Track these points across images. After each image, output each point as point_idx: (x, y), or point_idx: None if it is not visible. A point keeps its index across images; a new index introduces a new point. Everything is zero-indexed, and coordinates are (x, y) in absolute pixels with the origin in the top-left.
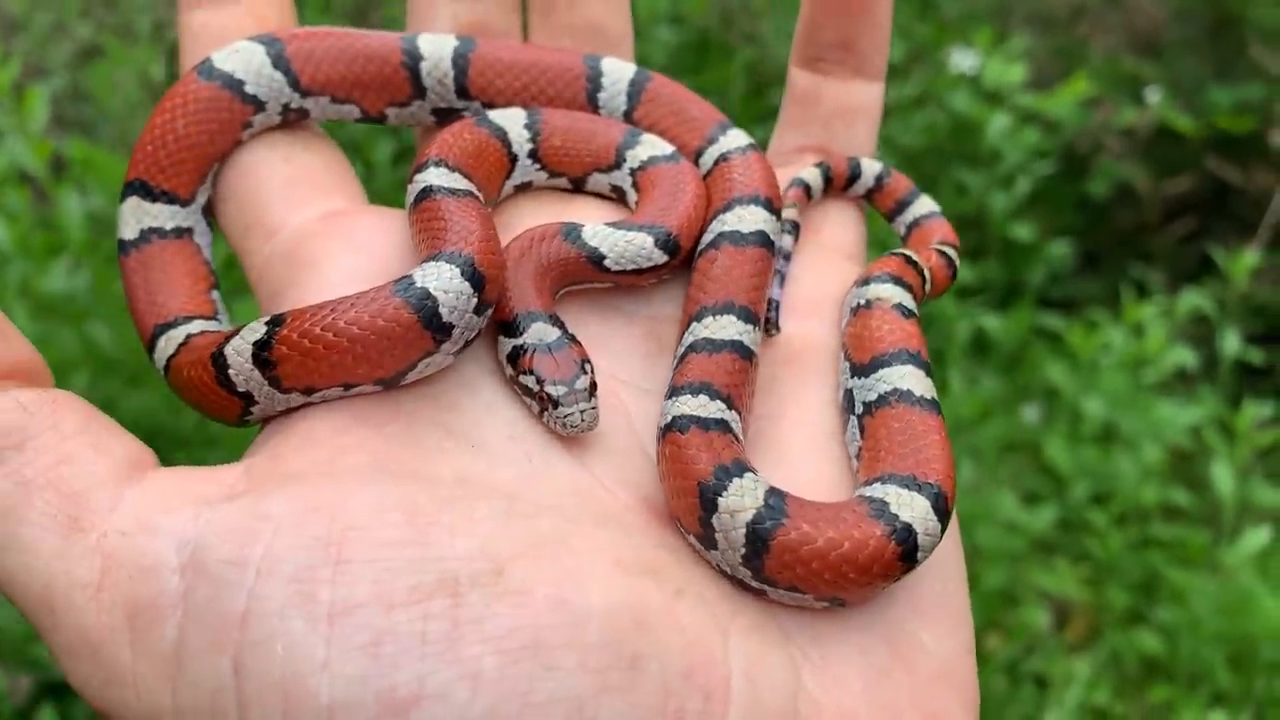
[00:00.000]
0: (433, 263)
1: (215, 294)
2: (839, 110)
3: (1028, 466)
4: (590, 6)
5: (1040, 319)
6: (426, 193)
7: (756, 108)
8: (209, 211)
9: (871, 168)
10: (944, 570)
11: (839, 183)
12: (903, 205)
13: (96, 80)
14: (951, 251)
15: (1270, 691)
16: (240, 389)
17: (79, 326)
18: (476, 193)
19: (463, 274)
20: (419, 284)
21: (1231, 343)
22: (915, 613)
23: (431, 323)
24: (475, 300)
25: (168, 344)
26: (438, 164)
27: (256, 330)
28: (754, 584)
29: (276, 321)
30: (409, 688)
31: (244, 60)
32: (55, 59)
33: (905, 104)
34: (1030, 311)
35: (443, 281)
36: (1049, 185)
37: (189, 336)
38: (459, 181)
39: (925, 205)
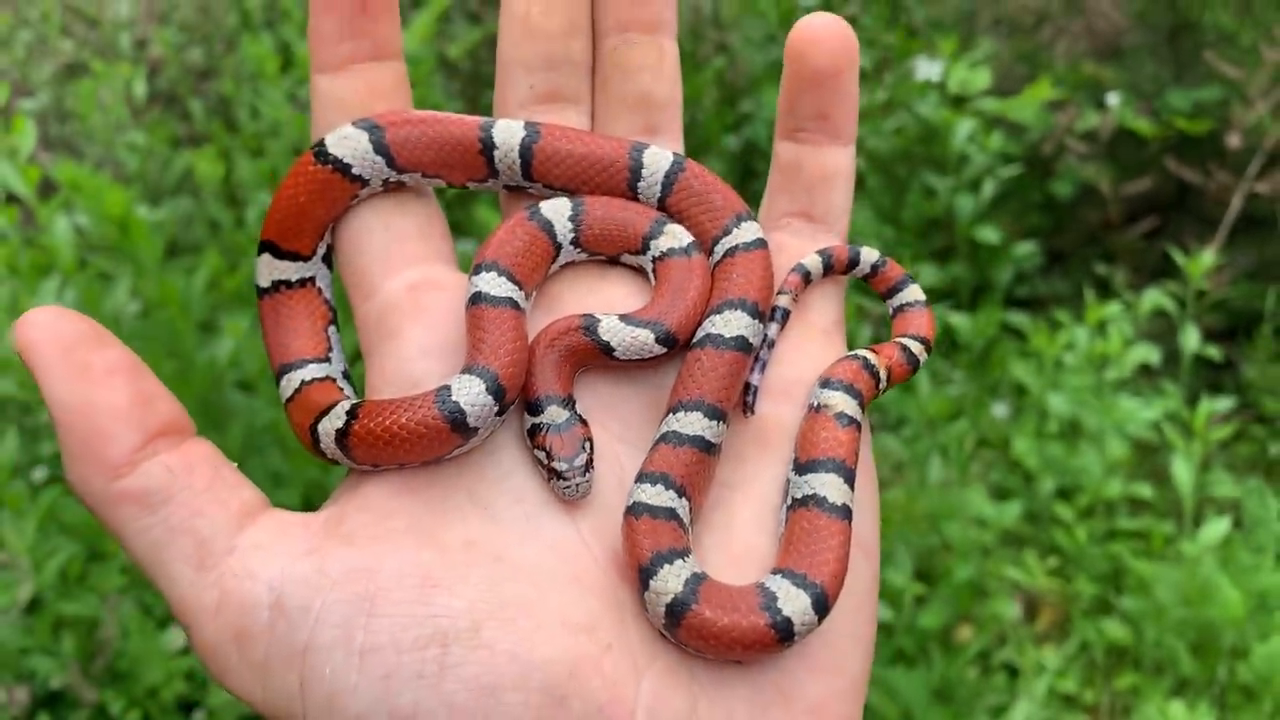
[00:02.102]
0: (467, 375)
1: (331, 329)
2: (819, 176)
3: (998, 462)
4: (641, 78)
5: (1008, 317)
6: (477, 298)
7: (727, 117)
8: (329, 255)
9: (869, 256)
10: (837, 631)
11: (839, 268)
12: (894, 290)
13: (80, 98)
14: (917, 346)
15: (1232, 677)
16: (329, 456)
17: None
18: (518, 296)
19: (488, 389)
20: (454, 397)
21: (1191, 339)
22: (803, 663)
23: (460, 427)
24: (496, 408)
25: (288, 384)
26: (490, 268)
27: (339, 417)
28: (672, 640)
29: (352, 414)
30: (408, 708)
31: (351, 147)
32: (37, 77)
33: (874, 110)
34: (997, 310)
35: (470, 396)
36: (1014, 187)
37: (303, 383)
38: (504, 288)
39: (913, 294)
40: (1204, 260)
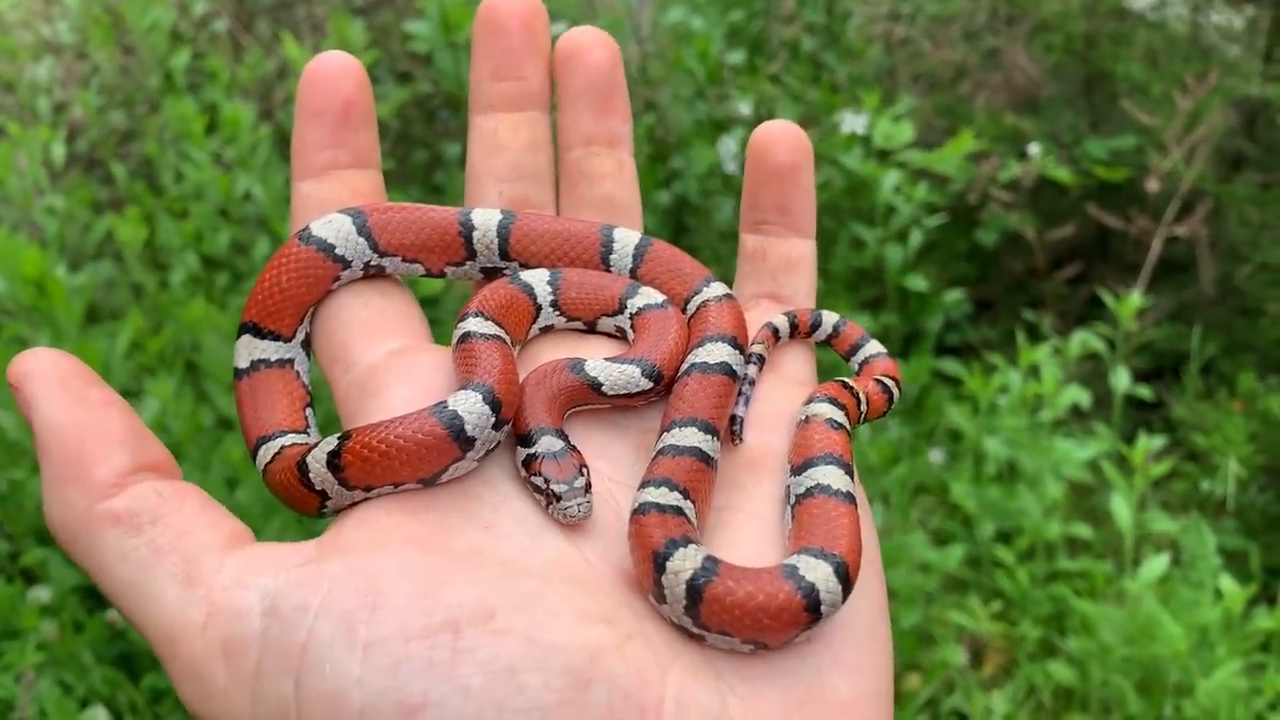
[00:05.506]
0: (463, 391)
1: (309, 411)
2: (783, 263)
3: (937, 507)
4: (604, 184)
5: (939, 364)
6: (466, 337)
7: (658, 173)
8: (307, 343)
9: (830, 318)
10: (860, 631)
11: (803, 329)
12: (856, 348)
13: None
14: (890, 382)
15: (1178, 713)
16: (317, 488)
17: None
18: (505, 336)
19: (484, 400)
20: (450, 407)
21: (1122, 380)
22: (831, 661)
23: (459, 436)
24: (493, 419)
25: (266, 452)
26: (477, 314)
27: (330, 443)
28: (694, 630)
29: (345, 436)
30: (418, 697)
31: (335, 229)
32: None
33: None
34: (929, 358)
35: (469, 405)
36: (941, 237)
37: (282, 448)
38: (491, 328)
39: (873, 348)
40: (1132, 302)
